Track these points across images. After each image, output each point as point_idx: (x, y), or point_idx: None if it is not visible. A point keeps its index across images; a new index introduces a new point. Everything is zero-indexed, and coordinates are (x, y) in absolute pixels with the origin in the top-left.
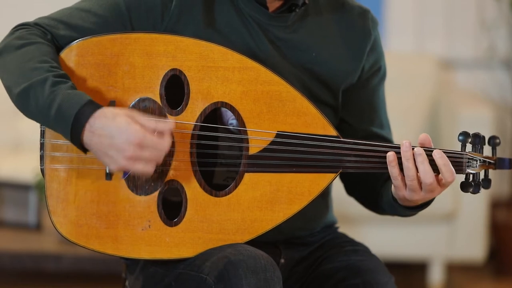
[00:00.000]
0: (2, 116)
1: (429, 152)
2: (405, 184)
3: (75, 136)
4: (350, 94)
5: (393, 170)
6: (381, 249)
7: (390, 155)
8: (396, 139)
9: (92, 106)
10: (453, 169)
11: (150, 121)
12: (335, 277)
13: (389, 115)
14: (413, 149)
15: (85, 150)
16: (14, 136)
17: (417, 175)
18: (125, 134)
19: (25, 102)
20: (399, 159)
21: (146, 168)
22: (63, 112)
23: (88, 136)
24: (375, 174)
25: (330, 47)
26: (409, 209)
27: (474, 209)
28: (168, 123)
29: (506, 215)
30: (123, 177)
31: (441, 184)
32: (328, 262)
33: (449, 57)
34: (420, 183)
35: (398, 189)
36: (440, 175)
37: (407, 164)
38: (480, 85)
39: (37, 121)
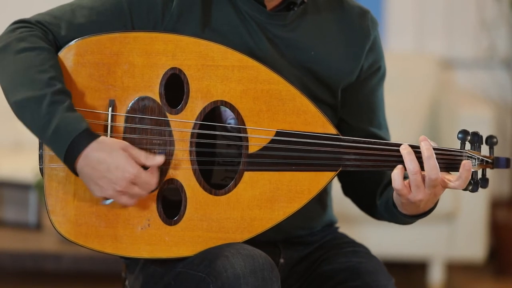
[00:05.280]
0: (2, 116)
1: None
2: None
3: (69, 162)
4: (349, 93)
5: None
6: (381, 249)
7: (404, 148)
8: (396, 139)
9: (89, 136)
10: (437, 165)
11: (142, 156)
12: (335, 278)
13: (389, 115)
14: (415, 148)
15: (76, 174)
16: (14, 136)
17: (419, 167)
18: (120, 171)
19: (20, 112)
20: (400, 157)
21: (130, 201)
22: (59, 136)
23: (81, 165)
24: (376, 176)
25: (329, 46)
26: (408, 217)
27: (474, 209)
28: (158, 158)
29: (506, 215)
30: (104, 203)
31: (444, 185)
32: (328, 263)
33: (449, 57)
34: (423, 178)
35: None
36: (449, 176)
37: (408, 156)
38: (480, 85)
39: (30, 131)
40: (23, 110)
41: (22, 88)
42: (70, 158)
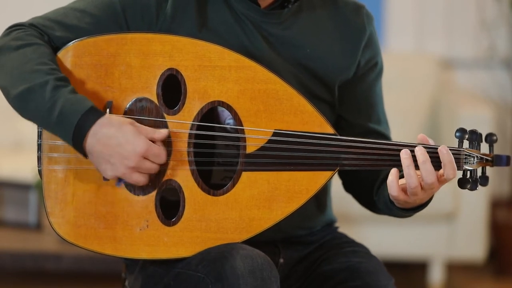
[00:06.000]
0: (2, 116)
1: (432, 150)
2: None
3: (77, 142)
4: (347, 90)
5: (410, 171)
6: (381, 249)
7: (404, 154)
8: (396, 139)
9: (96, 112)
10: (456, 167)
11: (150, 131)
12: (335, 278)
13: (389, 115)
14: (412, 150)
15: (86, 155)
16: (14, 136)
17: (418, 180)
18: (131, 144)
19: (23, 104)
20: (398, 156)
21: (141, 178)
22: (65, 117)
23: (91, 143)
24: (373, 173)
25: (325, 43)
26: (405, 211)
27: (474, 209)
28: (163, 132)
29: (506, 215)
30: (117, 185)
31: (440, 181)
32: (328, 263)
33: (449, 57)
34: (422, 186)
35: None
36: (441, 170)
37: (408, 171)
38: (480, 85)
39: (35, 123)
40: (26, 100)
41: (22, 81)
42: (78, 137)
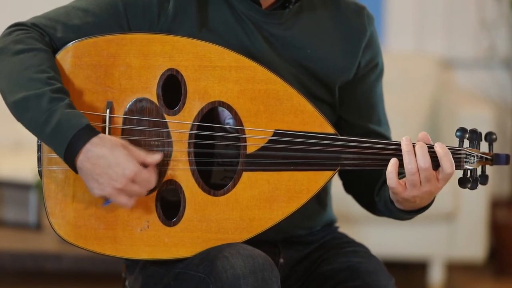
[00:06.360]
0: (2, 116)
1: (429, 147)
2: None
3: (68, 158)
4: (347, 91)
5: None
6: (381, 249)
7: (406, 145)
8: (396, 139)
9: (90, 131)
10: (453, 160)
11: (141, 154)
12: (335, 278)
13: (389, 115)
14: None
15: (76, 170)
16: (14, 136)
17: (417, 167)
18: (121, 168)
19: (19, 113)
20: (400, 155)
21: (128, 202)
22: (59, 131)
23: (81, 161)
24: (373, 174)
25: (325, 44)
26: (406, 213)
27: (474, 209)
28: (156, 156)
29: (506, 215)
30: (104, 205)
31: (439, 178)
32: (328, 263)
33: (449, 57)
34: (420, 178)
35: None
36: (439, 168)
37: (408, 156)
38: (480, 85)
39: (30, 131)
40: (22, 109)
41: (20, 88)
42: (70, 153)
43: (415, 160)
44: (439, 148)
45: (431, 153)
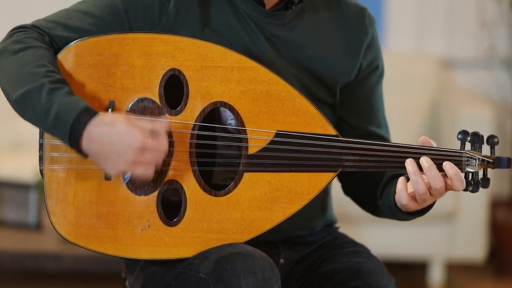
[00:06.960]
0: (2, 116)
1: (437, 162)
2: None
3: (74, 143)
4: (348, 92)
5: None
6: (381, 249)
7: (411, 166)
8: (396, 139)
9: (89, 113)
10: (464, 179)
11: (147, 123)
12: (335, 278)
13: (389, 115)
14: (418, 159)
15: (85, 156)
16: (14, 136)
17: (426, 186)
18: (126, 140)
19: (22, 108)
20: (401, 158)
21: (146, 171)
22: (60, 120)
23: (87, 143)
24: (374, 176)
25: (327, 45)
26: (410, 215)
27: (474, 209)
28: (164, 122)
29: (506, 215)
30: (124, 181)
31: (447, 189)
32: (328, 263)
33: (449, 57)
34: (430, 192)
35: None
36: (448, 180)
37: (415, 178)
38: (480, 85)
39: (35, 126)
40: (24, 104)
41: (21, 84)
42: (74, 139)
43: (422, 180)
44: (449, 169)
45: (439, 167)
